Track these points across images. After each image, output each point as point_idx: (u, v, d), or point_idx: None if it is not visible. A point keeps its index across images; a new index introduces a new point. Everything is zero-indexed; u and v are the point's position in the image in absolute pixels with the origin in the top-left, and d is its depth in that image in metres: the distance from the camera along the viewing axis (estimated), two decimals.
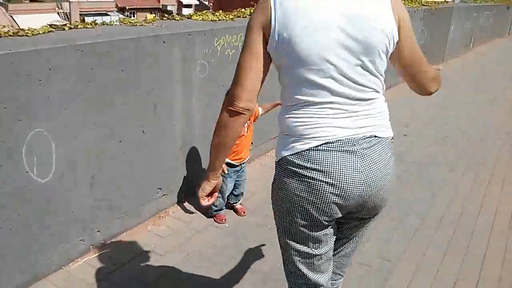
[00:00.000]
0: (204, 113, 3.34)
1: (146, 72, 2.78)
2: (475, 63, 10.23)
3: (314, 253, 1.61)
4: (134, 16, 41.93)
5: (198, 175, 3.49)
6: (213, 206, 3.24)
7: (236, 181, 3.25)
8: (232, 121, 1.48)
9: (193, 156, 3.39)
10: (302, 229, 1.54)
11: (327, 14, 1.35)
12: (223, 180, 3.13)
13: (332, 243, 1.67)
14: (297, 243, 1.59)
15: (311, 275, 1.66)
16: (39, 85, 2.21)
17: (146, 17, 3.27)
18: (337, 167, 1.40)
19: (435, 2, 8.68)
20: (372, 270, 2.81)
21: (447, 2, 12.70)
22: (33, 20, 24.39)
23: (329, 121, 1.42)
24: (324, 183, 1.41)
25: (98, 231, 2.79)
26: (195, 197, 3.49)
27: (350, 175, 1.41)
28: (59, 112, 2.35)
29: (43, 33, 2.36)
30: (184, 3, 50.51)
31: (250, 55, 1.42)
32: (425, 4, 8.18)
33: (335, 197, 1.43)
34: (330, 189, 1.41)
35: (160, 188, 3.18)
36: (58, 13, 36.37)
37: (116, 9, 43.30)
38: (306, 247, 1.60)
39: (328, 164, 1.40)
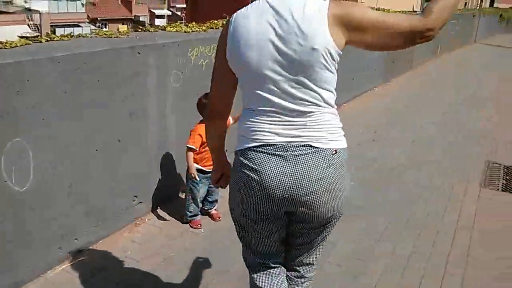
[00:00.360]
0: (178, 121, 3.42)
1: (122, 82, 2.86)
2: (443, 69, 10.59)
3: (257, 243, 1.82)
4: (105, 27, 41.60)
5: (173, 181, 3.56)
6: (187, 212, 3.32)
7: (209, 187, 3.35)
8: (211, 124, 1.81)
9: (168, 163, 3.47)
10: (242, 217, 1.74)
11: (263, 32, 1.51)
12: (194, 186, 3.24)
13: (277, 243, 1.84)
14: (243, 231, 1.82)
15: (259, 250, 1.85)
16: (18, 95, 2.27)
17: (118, 28, 3.34)
18: (266, 168, 1.57)
19: (402, 11, 8.98)
20: (343, 269, 2.93)
21: (415, 12, 13.11)
22: (1, 32, 23.99)
23: (268, 127, 1.58)
24: (253, 180, 1.59)
25: (76, 238, 2.83)
26: (171, 203, 3.58)
27: (276, 177, 1.56)
28: (37, 122, 2.41)
29: (21, 45, 2.42)
30: (156, 14, 50.51)
31: (216, 70, 1.68)
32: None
33: (261, 193, 1.60)
34: (257, 186, 1.59)
35: (136, 196, 3.24)
36: (28, 25, 35.77)
37: (87, 20, 42.85)
38: (250, 236, 1.81)
39: (259, 164, 1.58)
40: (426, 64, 10.74)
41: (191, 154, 3.14)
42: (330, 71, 1.56)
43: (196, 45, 3.43)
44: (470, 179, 4.50)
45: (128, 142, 3.02)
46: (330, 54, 1.51)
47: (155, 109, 3.19)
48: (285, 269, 1.93)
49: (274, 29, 1.51)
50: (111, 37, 2.93)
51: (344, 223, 3.43)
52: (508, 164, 4.96)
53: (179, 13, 52.39)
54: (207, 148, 3.13)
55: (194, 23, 3.78)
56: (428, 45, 10.82)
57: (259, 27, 1.52)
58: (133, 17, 46.81)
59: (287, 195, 1.59)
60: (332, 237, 3.24)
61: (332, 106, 1.63)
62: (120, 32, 3.03)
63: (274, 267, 1.88)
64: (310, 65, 1.51)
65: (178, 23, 3.67)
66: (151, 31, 3.36)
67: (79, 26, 38.29)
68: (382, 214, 3.68)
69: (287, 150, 1.56)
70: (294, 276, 1.95)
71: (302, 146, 1.56)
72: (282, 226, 1.77)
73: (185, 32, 3.50)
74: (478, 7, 35.00)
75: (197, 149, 3.14)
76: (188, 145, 3.12)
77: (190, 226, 3.32)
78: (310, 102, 1.57)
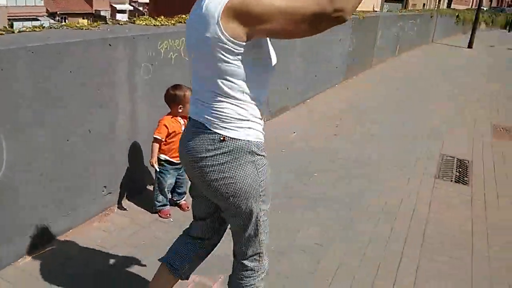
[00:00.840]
0: (148, 113, 3.49)
1: (93, 74, 2.90)
2: (401, 67, 10.96)
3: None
4: (65, 22, 40.46)
5: (142, 172, 3.62)
6: (156, 202, 3.39)
7: (177, 179, 3.43)
8: None
9: (137, 154, 3.53)
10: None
11: (188, 25, 1.74)
12: (162, 177, 3.32)
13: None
14: None
15: None
16: None
17: (78, 22, 3.37)
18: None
19: (362, 11, 9.26)
20: (307, 253, 3.09)
21: (375, 11, 13.51)
22: None
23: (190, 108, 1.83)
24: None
25: (47, 227, 2.86)
26: (140, 194, 3.64)
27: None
28: (10, 112, 2.43)
29: None
30: (118, 9, 49.56)
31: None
32: (354, 13, 8.71)
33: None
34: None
35: (105, 186, 3.29)
36: None
37: (46, 14, 41.62)
38: None
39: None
40: (386, 63, 11.09)
41: (156, 144, 3.22)
42: (229, 63, 1.60)
43: (166, 39, 3.50)
44: (426, 171, 4.76)
45: (98, 133, 3.07)
46: (225, 45, 1.56)
47: (125, 100, 3.24)
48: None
49: (191, 20, 1.68)
50: (82, 29, 2.96)
51: (307, 211, 3.62)
52: (461, 157, 5.25)
53: (141, 8, 51.63)
54: (174, 139, 3.23)
55: (162, 17, 3.84)
56: (388, 45, 11.20)
57: (189, 19, 1.72)
58: (93, 12, 45.76)
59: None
60: (296, 224, 3.42)
61: (234, 97, 1.67)
62: (91, 24, 3.07)
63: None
64: (207, 56, 1.61)
65: (147, 17, 3.71)
66: (121, 24, 3.41)
67: (37, 19, 37.13)
68: (343, 203, 3.86)
69: (188, 125, 1.81)
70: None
71: (198, 122, 1.73)
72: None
73: (154, 25, 3.56)
74: (436, 8, 36.25)
75: (164, 139, 3.22)
76: (154, 136, 3.21)
77: (159, 215, 3.40)
78: (211, 91, 1.68)
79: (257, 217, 1.86)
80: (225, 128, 1.68)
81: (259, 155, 1.77)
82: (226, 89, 1.64)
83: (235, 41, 1.55)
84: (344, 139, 5.50)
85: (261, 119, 1.79)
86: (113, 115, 3.18)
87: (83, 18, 40.53)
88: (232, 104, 1.67)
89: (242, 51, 1.58)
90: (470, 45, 16.43)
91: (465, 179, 4.67)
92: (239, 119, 1.68)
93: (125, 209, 3.44)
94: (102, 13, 46.00)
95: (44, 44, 2.49)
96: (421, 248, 3.29)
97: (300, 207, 3.72)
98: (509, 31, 29.08)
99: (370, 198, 4.00)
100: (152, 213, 3.42)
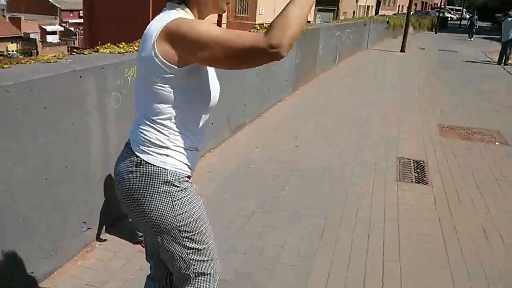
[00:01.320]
0: (119, 143, 3.41)
1: (66, 108, 2.82)
2: (342, 75, 11.36)
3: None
4: None
5: (118, 204, 3.53)
6: (138, 232, 3.32)
7: None
8: None
9: (112, 185, 3.43)
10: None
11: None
12: None
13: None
14: None
15: None
16: None
17: (7, 47, 3.27)
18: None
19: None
20: (296, 267, 3.14)
21: (309, 22, 13.92)
22: None
23: None
24: None
25: (31, 272, 2.73)
26: (119, 225, 3.55)
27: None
28: None
29: None
30: (48, 30, 47.80)
31: None
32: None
33: None
34: None
35: (85, 222, 3.18)
36: None
37: None
38: None
39: None
40: (328, 72, 11.45)
41: None
42: (160, 86, 1.57)
43: (131, 66, 3.45)
44: (387, 175, 4.97)
45: (74, 168, 2.97)
46: (158, 67, 1.54)
47: (98, 132, 3.17)
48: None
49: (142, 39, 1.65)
50: (50, 62, 2.88)
51: (286, 225, 3.68)
52: (416, 158, 5.54)
53: (72, 29, 50.11)
54: None
55: (124, 43, 3.79)
56: (329, 54, 11.57)
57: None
58: (22, 35, 43.81)
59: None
60: (278, 239, 3.47)
61: (159, 122, 1.64)
62: (57, 56, 2.98)
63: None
64: (143, 76, 1.63)
65: (109, 44, 3.64)
66: (86, 54, 3.33)
67: None
68: (318, 214, 3.95)
69: (127, 145, 1.76)
70: None
71: (130, 146, 1.71)
72: None
73: (119, 53, 3.51)
74: (365, 15, 37.84)
75: None
76: None
77: (142, 246, 3.33)
78: (141, 111, 1.68)
79: (182, 257, 1.75)
80: (143, 151, 1.65)
81: (177, 186, 1.66)
82: (153, 112, 1.62)
83: (168, 64, 1.53)
84: (305, 151, 5.62)
85: (190, 150, 1.71)
86: (88, 148, 3.10)
87: (12, 42, 38.78)
88: (155, 128, 1.64)
89: (174, 76, 1.55)
90: (402, 49, 17.30)
91: (424, 179, 4.93)
92: (156, 144, 1.64)
93: (107, 243, 3.34)
94: (32, 36, 44.09)
95: (17, 82, 2.41)
96: (400, 250, 3.45)
97: (279, 222, 3.77)
98: (436, 33, 30.91)
99: (342, 207, 4.12)
100: (133, 243, 3.35)
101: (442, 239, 3.64)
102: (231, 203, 4.03)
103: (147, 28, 1.60)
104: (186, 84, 1.58)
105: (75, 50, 3.34)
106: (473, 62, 16.36)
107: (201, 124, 1.73)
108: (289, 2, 1.43)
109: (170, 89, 1.57)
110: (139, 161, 1.64)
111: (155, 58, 1.52)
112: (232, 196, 4.17)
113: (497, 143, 6.34)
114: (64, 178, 2.90)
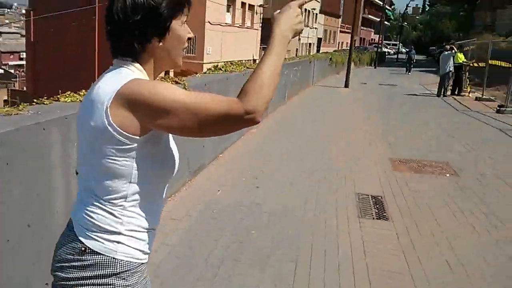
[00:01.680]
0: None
1: (30, 163, 2.68)
2: (292, 113, 11.60)
3: None
4: None
5: None
6: None
7: None
8: None
9: None
10: None
11: (80, 107, 1.50)
12: None
13: None
14: None
15: None
16: None
17: None
18: None
19: (246, 60, 9.71)
20: None
21: (254, 60, 14.24)
22: None
23: None
24: None
25: None
26: None
27: None
28: None
29: None
30: None
31: None
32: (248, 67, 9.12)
33: None
34: None
35: (47, 283, 2.98)
36: None
37: None
38: None
39: None
40: (278, 110, 11.65)
41: None
42: (113, 160, 1.34)
43: None
44: (348, 212, 5.04)
45: (37, 227, 2.80)
46: (112, 138, 1.31)
47: (61, 185, 3.02)
48: None
49: (82, 104, 1.46)
50: (11, 114, 2.74)
51: (258, 271, 3.63)
52: (374, 194, 5.67)
53: (12, 71, 48.46)
54: None
55: (83, 90, 3.69)
56: (279, 93, 11.81)
57: (81, 103, 1.51)
58: None
59: None
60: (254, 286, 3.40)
61: (111, 202, 1.39)
62: (18, 108, 2.85)
63: None
64: (89, 147, 1.38)
65: (69, 93, 3.53)
66: (46, 104, 3.21)
67: None
68: (288, 257, 3.92)
69: (68, 224, 1.50)
70: None
71: (73, 226, 1.45)
72: None
73: (80, 101, 3.40)
74: (308, 52, 39.17)
75: None
76: None
77: None
78: (88, 187, 1.42)
79: None
80: (89, 237, 1.39)
81: (125, 279, 1.39)
82: (104, 191, 1.37)
83: (126, 134, 1.31)
84: (266, 191, 5.60)
85: (148, 231, 1.46)
86: (51, 203, 2.94)
87: None
88: (105, 210, 1.38)
89: (132, 147, 1.33)
90: (346, 85, 18.00)
91: (384, 214, 5.04)
92: (106, 230, 1.38)
93: None
94: None
95: None
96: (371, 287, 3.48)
97: (249, 269, 3.70)
98: (375, 67, 32.45)
99: (310, 248, 4.11)
100: None
101: (409, 273, 3.71)
102: (198, 253, 3.91)
103: (92, 92, 1.37)
104: (146, 153, 1.37)
105: (35, 100, 3.20)
106: (414, 95, 17.25)
107: (162, 196, 1.53)
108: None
109: (126, 162, 1.34)
110: (83, 249, 1.38)
111: (109, 128, 1.29)
112: (197, 244, 4.05)
113: (447, 175, 6.63)
114: (26, 238, 2.72)
